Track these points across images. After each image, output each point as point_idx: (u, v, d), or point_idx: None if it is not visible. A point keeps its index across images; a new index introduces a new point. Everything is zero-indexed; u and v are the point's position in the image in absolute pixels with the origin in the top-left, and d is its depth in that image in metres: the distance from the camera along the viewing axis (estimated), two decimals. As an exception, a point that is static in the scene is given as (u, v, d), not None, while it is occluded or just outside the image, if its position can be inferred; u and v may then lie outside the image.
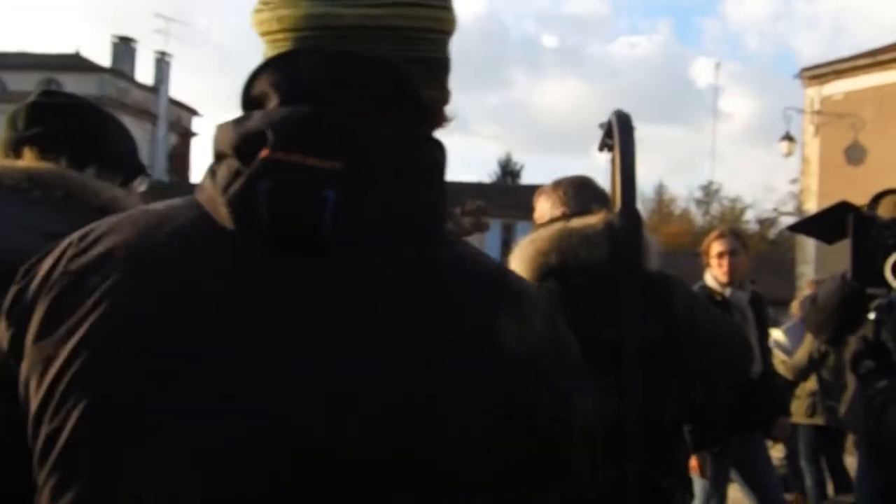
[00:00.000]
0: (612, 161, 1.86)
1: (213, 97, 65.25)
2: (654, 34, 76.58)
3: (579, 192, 2.02)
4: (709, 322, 1.90)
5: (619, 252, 1.72)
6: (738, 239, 3.79)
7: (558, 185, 2.09)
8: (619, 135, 1.80)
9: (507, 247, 27.68)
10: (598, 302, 1.68)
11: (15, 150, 1.26)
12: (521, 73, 71.92)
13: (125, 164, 1.36)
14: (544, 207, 2.10)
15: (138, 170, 1.41)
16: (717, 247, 3.70)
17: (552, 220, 1.95)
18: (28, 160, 1.22)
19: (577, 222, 1.86)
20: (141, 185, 1.43)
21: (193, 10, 67.51)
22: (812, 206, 16.58)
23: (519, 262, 1.83)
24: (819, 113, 16.96)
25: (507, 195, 27.22)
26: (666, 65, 70.63)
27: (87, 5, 64.05)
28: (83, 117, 1.34)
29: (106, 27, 71.07)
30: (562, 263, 1.78)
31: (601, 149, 2.90)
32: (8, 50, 31.28)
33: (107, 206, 1.20)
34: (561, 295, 1.70)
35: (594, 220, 1.86)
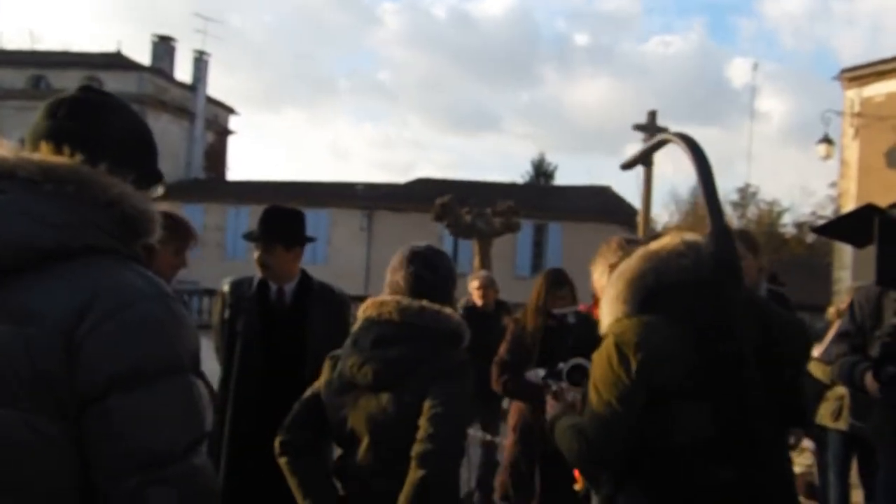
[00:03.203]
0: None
1: (246, 94, 65.96)
2: (688, 33, 75.64)
3: (629, 242, 2.24)
4: (779, 317, 1.98)
5: (720, 270, 1.84)
6: (744, 242, 3.73)
7: (608, 241, 2.33)
8: (696, 161, 1.92)
9: (538, 247, 27.29)
10: (707, 319, 1.80)
11: (35, 143, 1.30)
12: (552, 71, 71.54)
13: (141, 163, 1.37)
14: (600, 260, 2.31)
15: (156, 175, 1.42)
16: None
17: (613, 266, 2.08)
18: (43, 153, 1.26)
19: (653, 245, 1.96)
20: (155, 192, 1.43)
21: (228, 7, 68.12)
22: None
23: (615, 296, 1.91)
24: (859, 115, 16.63)
25: (540, 196, 27.13)
26: (700, 64, 69.73)
27: (127, 5, 65.21)
28: (102, 114, 1.36)
29: (146, 26, 72.29)
30: (657, 280, 1.87)
31: (631, 166, 2.95)
32: (51, 48, 32.06)
33: (115, 202, 1.24)
34: (672, 320, 1.80)
35: (666, 239, 1.96)
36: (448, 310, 2.12)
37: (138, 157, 1.38)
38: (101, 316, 1.13)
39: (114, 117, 1.38)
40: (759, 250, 3.76)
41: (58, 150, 1.25)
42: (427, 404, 1.97)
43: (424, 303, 2.09)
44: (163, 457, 1.14)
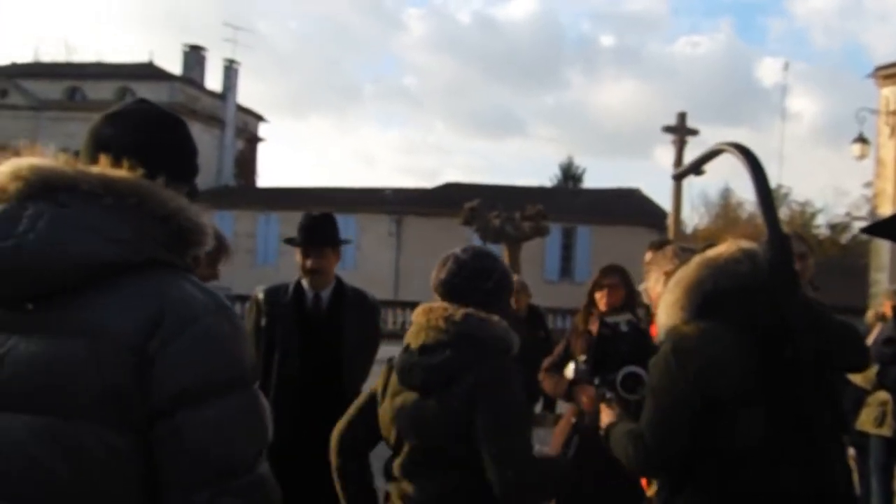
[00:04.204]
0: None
1: (274, 101, 66.65)
2: (716, 33, 74.70)
3: (683, 251, 2.32)
4: (835, 323, 2.01)
5: (777, 277, 1.88)
6: (804, 242, 3.69)
7: (664, 249, 2.41)
8: (752, 171, 1.98)
9: (567, 251, 27.09)
10: (764, 325, 1.84)
11: (93, 154, 1.31)
12: (578, 74, 71.00)
13: (192, 176, 1.39)
14: (654, 268, 2.38)
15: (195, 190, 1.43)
16: None
17: (668, 273, 2.14)
18: (102, 166, 1.26)
19: (710, 252, 2.01)
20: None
21: (255, 14, 68.69)
22: (887, 211, 15.98)
23: (673, 302, 1.95)
24: (895, 113, 16.32)
25: (569, 199, 27.00)
26: (729, 64, 68.43)
27: (159, 15, 66.24)
28: (160, 127, 1.39)
29: (177, 36, 73.34)
30: (715, 286, 1.91)
31: (684, 176, 2.94)
32: (86, 60, 32.68)
33: (172, 216, 1.25)
34: (730, 326, 1.84)
35: (723, 247, 2.01)
36: (494, 317, 2.13)
37: (191, 170, 1.40)
38: (172, 331, 1.15)
39: (170, 131, 1.40)
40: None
41: (117, 163, 1.26)
42: (481, 422, 1.99)
43: (469, 310, 2.11)
44: (233, 469, 1.15)
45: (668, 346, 1.87)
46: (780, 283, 1.87)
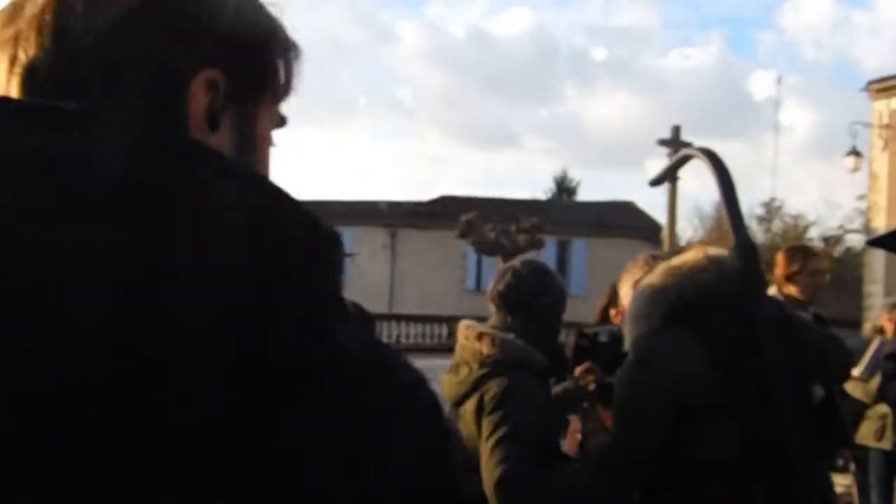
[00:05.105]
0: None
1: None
2: (708, 46, 75.19)
3: (655, 258, 2.30)
4: (814, 335, 1.98)
5: (745, 285, 1.83)
6: (823, 260, 3.71)
7: (636, 258, 2.41)
8: (717, 176, 1.95)
9: (562, 264, 27.13)
10: (731, 335, 1.79)
11: None
12: (571, 86, 71.25)
13: None
14: (627, 277, 2.35)
15: None
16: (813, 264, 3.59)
17: (637, 281, 2.12)
18: None
19: (675, 259, 1.96)
20: None
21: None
22: (880, 223, 16.04)
23: (637, 310, 1.92)
24: (888, 127, 16.42)
25: (563, 212, 27.05)
26: (721, 77, 68.73)
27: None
28: None
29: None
30: (680, 295, 1.85)
31: (660, 182, 2.93)
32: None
33: None
34: (695, 336, 1.79)
35: (689, 254, 1.96)
36: (510, 336, 2.15)
37: None
38: None
39: None
40: None
41: None
42: (485, 432, 2.02)
43: (487, 329, 2.16)
44: None
45: (633, 357, 1.83)
46: (747, 291, 1.82)
